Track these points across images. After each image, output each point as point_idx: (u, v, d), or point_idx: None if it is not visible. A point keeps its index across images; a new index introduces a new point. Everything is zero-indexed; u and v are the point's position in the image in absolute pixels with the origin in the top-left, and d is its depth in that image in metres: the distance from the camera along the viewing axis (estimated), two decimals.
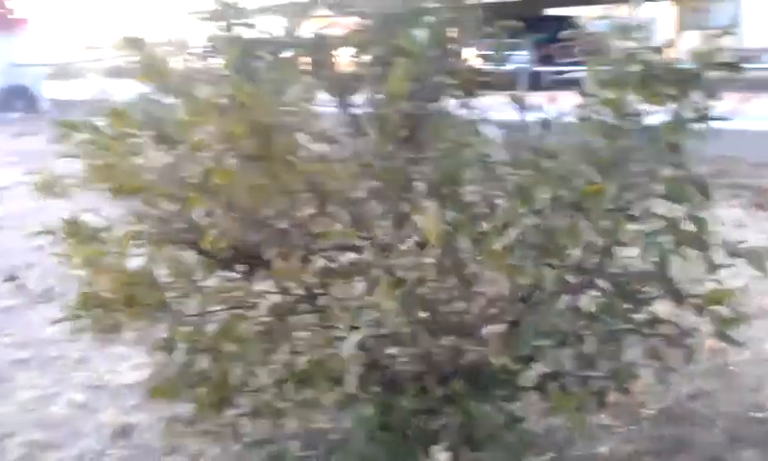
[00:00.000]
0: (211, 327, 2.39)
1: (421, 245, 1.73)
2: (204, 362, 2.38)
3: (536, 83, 10.20)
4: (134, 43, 2.05)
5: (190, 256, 2.25)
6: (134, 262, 2.50)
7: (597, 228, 1.69)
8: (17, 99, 17.85)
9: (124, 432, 3.31)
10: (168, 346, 2.33)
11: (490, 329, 1.97)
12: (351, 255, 2.09)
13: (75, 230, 2.51)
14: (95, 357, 4.08)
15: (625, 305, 2.02)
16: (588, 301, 2.03)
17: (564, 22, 20.61)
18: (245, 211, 1.87)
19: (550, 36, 18.43)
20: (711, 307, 2.19)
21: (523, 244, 1.60)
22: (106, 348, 4.14)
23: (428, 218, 1.60)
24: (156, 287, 2.27)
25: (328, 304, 2.07)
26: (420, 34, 1.97)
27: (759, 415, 3.09)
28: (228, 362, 2.11)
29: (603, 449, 2.95)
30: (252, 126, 1.56)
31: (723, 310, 2.15)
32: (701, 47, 1.94)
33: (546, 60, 17.10)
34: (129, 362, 3.99)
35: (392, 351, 1.96)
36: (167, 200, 2.39)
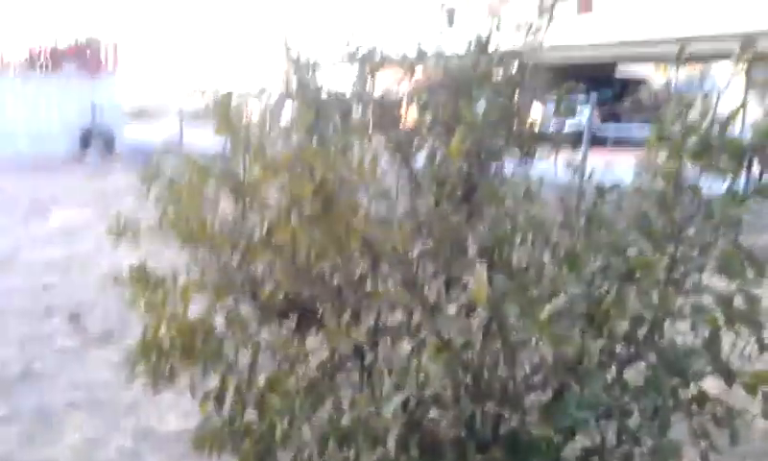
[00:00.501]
0: (261, 380, 2.46)
1: (470, 308, 1.77)
2: (250, 414, 2.45)
3: (600, 141, 10.22)
4: (212, 95, 2.18)
5: (246, 307, 2.34)
6: (194, 311, 2.61)
7: (647, 299, 1.70)
8: (96, 140, 18.57)
9: None
10: (218, 396, 2.39)
11: (533, 398, 1.98)
12: (400, 316, 2.15)
13: (141, 275, 2.63)
14: (145, 404, 4.18)
15: (672, 381, 2.00)
16: (634, 374, 2.02)
17: (631, 82, 20.66)
18: (302, 266, 1.95)
19: (616, 94, 18.48)
20: (762, 387, 2.15)
21: (570, 312, 1.63)
22: (155, 395, 4.27)
23: (478, 281, 1.64)
24: (212, 336, 2.35)
25: (374, 363, 2.12)
26: (480, 103, 2.05)
27: None
28: (274, 415, 2.15)
29: None
30: (316, 185, 1.65)
31: None
32: (764, 120, 1.95)
33: (612, 118, 17.15)
34: (177, 410, 4.09)
35: (433, 414, 1.97)
36: (230, 251, 2.50)
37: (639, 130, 17.31)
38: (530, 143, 2.64)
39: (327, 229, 1.61)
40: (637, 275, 1.73)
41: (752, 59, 2.19)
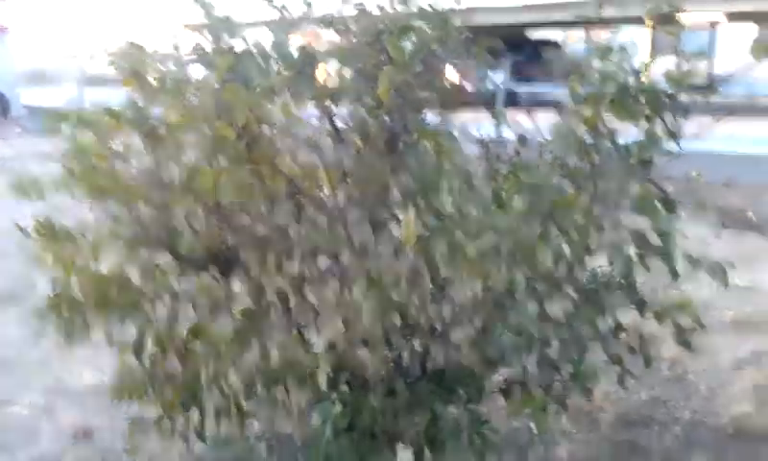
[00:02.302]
0: (182, 329, 2.41)
1: (397, 252, 1.78)
2: (172, 363, 2.39)
3: (513, 101, 10.55)
4: (127, 50, 2.06)
5: (164, 259, 2.26)
6: (107, 265, 2.50)
7: (568, 237, 1.76)
8: None
9: (85, 435, 3.28)
10: (137, 347, 2.32)
11: (458, 335, 2.02)
12: (326, 261, 2.13)
13: (49, 230, 2.48)
14: (56, 361, 4.02)
15: (591, 313, 2.09)
16: (556, 307, 2.10)
17: (541, 45, 21.18)
18: (224, 215, 1.89)
19: (528, 57, 18.99)
20: (673, 316, 2.29)
21: (497, 251, 1.66)
22: (66, 351, 4.11)
23: (406, 222, 1.64)
24: (128, 289, 2.27)
25: (300, 307, 2.10)
26: (407, 44, 2.03)
27: (712, 421, 3.21)
28: (198, 361, 2.11)
29: (562, 453, 3.04)
30: (240, 127, 1.59)
31: (683, 319, 2.25)
32: (675, 70, 2.03)
33: (524, 80, 17.61)
34: (90, 365, 3.95)
35: (362, 351, 1.99)
36: (145, 203, 2.39)
37: (551, 91, 17.78)
38: (451, 98, 2.64)
39: (252, 172, 1.56)
40: (559, 215, 1.77)
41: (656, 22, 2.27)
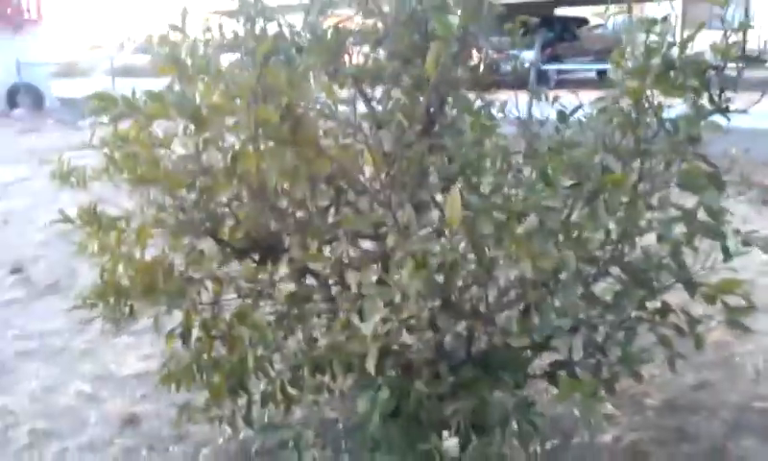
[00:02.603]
0: (227, 315, 2.43)
1: (440, 232, 1.76)
2: (218, 349, 2.42)
3: (543, 81, 10.36)
4: (165, 36, 2.07)
5: (208, 245, 2.28)
6: (151, 252, 2.53)
7: (615, 216, 1.72)
8: (24, 96, 17.89)
9: (131, 422, 3.34)
10: (184, 333, 2.35)
11: (505, 316, 2.00)
12: (369, 244, 2.13)
13: (91, 217, 2.53)
14: (101, 348, 4.10)
15: (640, 294, 2.05)
16: (603, 289, 2.07)
17: (570, 23, 20.77)
18: (266, 199, 1.89)
19: (557, 35, 18.64)
20: (722, 297, 2.23)
21: (544, 229, 1.63)
22: (112, 339, 4.19)
23: (451, 202, 1.62)
24: (173, 275, 2.29)
25: (345, 290, 2.10)
26: (452, 18, 2.01)
27: (760, 405, 3.14)
28: (244, 347, 2.13)
29: (607, 438, 3.00)
30: (283, 109, 1.58)
31: (733, 300, 2.19)
32: (720, 42, 1.97)
33: (553, 59, 17.33)
34: (135, 353, 4.02)
35: (407, 337, 1.99)
36: (187, 189, 2.42)
37: (582, 69, 17.53)
38: (486, 77, 2.61)
39: (297, 154, 1.56)
40: (606, 192, 1.74)
41: None
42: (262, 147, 1.58)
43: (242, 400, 2.44)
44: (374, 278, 1.94)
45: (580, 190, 1.68)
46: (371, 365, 1.71)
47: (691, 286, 2.22)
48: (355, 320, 1.86)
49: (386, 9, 2.52)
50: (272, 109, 1.61)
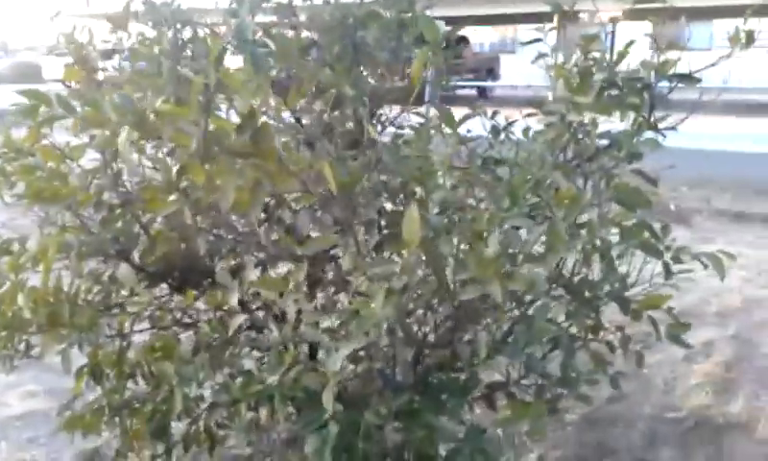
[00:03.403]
0: (141, 349, 2.20)
1: (398, 253, 1.66)
2: (135, 387, 2.18)
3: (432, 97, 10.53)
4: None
5: (122, 270, 2.04)
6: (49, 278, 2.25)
7: (578, 235, 1.69)
8: None
9: None
10: (94, 370, 2.10)
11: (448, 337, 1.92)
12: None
13: None
14: None
15: (580, 314, 2.04)
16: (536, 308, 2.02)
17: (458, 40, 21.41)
18: (212, 218, 1.71)
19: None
20: (646, 311, 2.26)
21: (510, 249, 1.56)
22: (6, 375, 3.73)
23: (409, 221, 1.52)
24: (80, 305, 2.04)
25: (281, 319, 1.95)
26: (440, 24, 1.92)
27: (674, 415, 3.24)
28: (169, 385, 1.92)
29: (532, 456, 3.00)
30: (244, 120, 1.42)
31: (659, 314, 2.22)
32: (653, 60, 2.01)
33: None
34: (17, 391, 3.61)
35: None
36: (95, 207, 2.17)
37: (464, 85, 18.05)
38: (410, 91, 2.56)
39: (256, 169, 1.40)
40: (561, 209, 1.70)
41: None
42: (212, 159, 1.42)
43: (160, 445, 2.21)
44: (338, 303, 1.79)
45: (540, 208, 1.63)
46: (329, 401, 1.56)
47: (624, 303, 2.24)
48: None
49: (311, 17, 2.40)
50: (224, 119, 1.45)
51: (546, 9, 2.20)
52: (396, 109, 2.52)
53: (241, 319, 1.70)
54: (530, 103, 2.21)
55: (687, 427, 3.15)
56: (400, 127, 2.50)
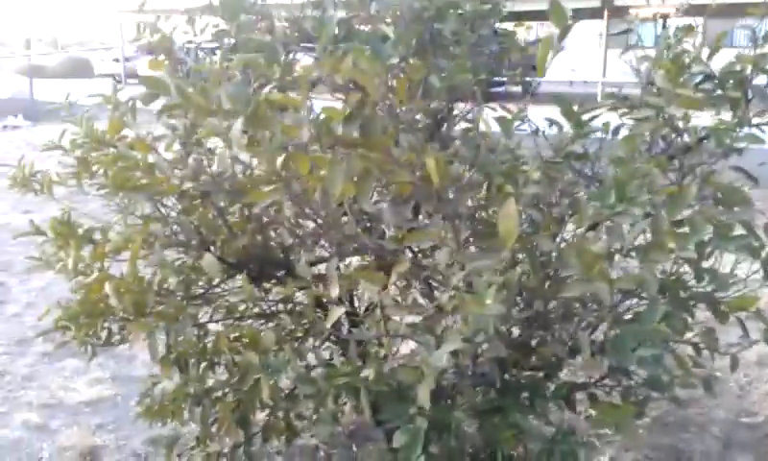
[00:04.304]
0: (222, 338, 2.20)
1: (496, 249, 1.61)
2: (219, 376, 2.19)
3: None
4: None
5: (207, 260, 2.04)
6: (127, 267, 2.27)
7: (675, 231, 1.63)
8: None
9: (90, 456, 3.02)
10: (179, 360, 2.10)
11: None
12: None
13: (66, 229, 2.24)
14: (45, 373, 3.72)
15: (675, 313, 1.96)
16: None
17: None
18: (312, 210, 1.69)
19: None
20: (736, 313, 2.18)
21: (611, 245, 1.51)
22: (56, 363, 3.82)
23: (506, 215, 1.47)
24: (168, 294, 2.05)
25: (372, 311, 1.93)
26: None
27: (748, 420, 3.15)
28: (256, 374, 1.91)
29: (603, 459, 2.94)
30: (354, 109, 1.39)
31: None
32: (748, 53, 1.93)
33: None
34: (84, 378, 3.67)
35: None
36: (178, 198, 2.18)
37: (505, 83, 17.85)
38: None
39: (365, 160, 1.36)
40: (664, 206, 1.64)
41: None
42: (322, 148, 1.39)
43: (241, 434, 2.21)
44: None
45: (640, 204, 1.57)
46: (425, 396, 1.54)
47: (714, 304, 2.16)
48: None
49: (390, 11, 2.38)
50: (335, 106, 1.43)
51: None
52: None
53: (341, 311, 1.67)
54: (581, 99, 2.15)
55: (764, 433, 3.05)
56: (470, 121, 2.47)
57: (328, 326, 1.66)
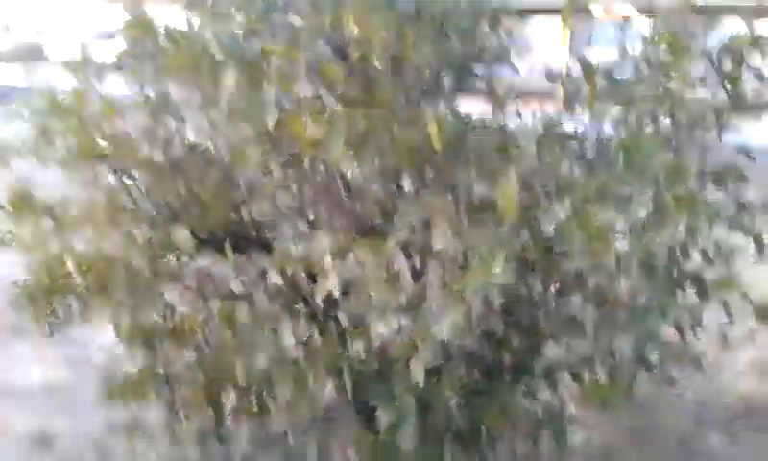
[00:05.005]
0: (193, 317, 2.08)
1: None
2: (188, 355, 2.07)
3: None
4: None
5: (180, 234, 1.92)
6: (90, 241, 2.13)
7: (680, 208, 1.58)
8: None
9: (43, 442, 2.86)
10: (148, 339, 1.98)
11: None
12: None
13: (25, 202, 2.08)
14: None
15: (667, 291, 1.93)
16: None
17: None
18: (307, 172, 1.57)
19: None
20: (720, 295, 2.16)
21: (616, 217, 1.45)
22: (7, 348, 3.61)
23: (506, 189, 1.41)
24: (136, 270, 1.92)
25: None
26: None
27: (721, 400, 3.17)
28: (231, 354, 1.81)
29: (576, 439, 2.91)
30: (354, 62, 1.29)
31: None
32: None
33: None
34: (38, 362, 3.48)
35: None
36: (147, 168, 2.05)
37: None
38: None
39: (367, 120, 1.27)
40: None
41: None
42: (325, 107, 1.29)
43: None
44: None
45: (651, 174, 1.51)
46: (419, 372, 1.46)
47: (701, 284, 2.13)
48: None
49: None
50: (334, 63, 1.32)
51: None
52: None
53: (332, 282, 1.58)
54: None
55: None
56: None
57: (319, 299, 1.56)
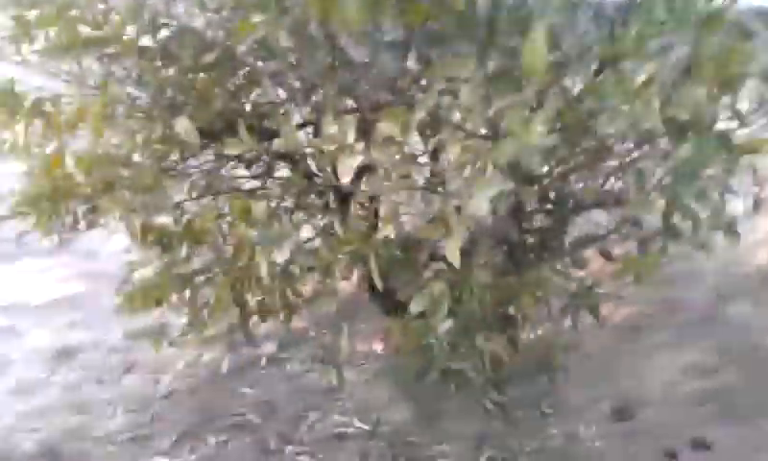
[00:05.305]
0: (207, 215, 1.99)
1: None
2: (206, 256, 1.99)
3: None
4: None
5: (180, 124, 1.79)
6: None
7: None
8: None
9: (66, 355, 2.83)
10: (163, 240, 1.89)
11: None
12: None
13: (11, 98, 1.94)
14: (7, 272, 3.47)
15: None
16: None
17: None
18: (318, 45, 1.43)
19: None
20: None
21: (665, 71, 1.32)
22: (16, 262, 3.54)
23: (533, 48, 1.28)
24: (143, 166, 1.82)
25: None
26: None
27: (743, 270, 3.11)
28: (251, 251, 1.72)
29: (603, 312, 2.88)
30: None
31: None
32: None
33: None
34: (49, 276, 3.43)
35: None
36: (141, 58, 1.91)
37: None
38: None
39: None
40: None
41: None
42: None
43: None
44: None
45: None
46: (454, 253, 1.37)
47: (727, 143, 2.01)
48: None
49: None
50: None
51: None
52: None
53: (358, 160, 1.47)
54: None
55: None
56: None
57: (346, 179, 1.46)
